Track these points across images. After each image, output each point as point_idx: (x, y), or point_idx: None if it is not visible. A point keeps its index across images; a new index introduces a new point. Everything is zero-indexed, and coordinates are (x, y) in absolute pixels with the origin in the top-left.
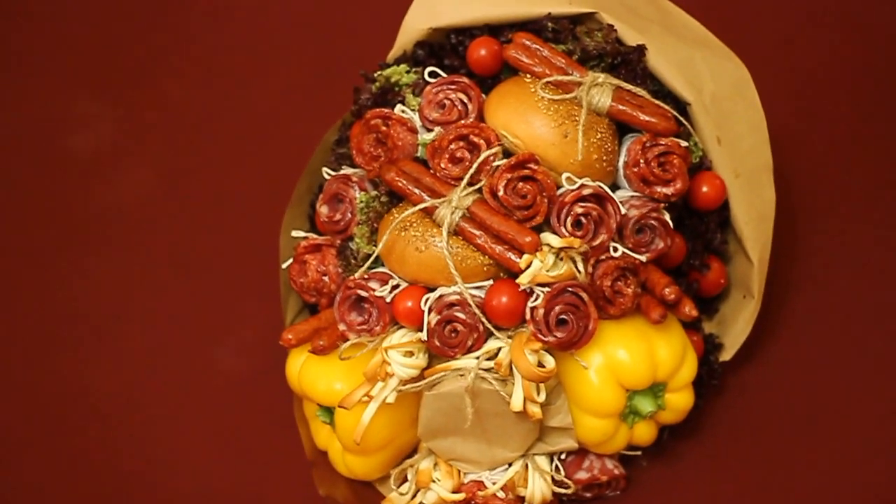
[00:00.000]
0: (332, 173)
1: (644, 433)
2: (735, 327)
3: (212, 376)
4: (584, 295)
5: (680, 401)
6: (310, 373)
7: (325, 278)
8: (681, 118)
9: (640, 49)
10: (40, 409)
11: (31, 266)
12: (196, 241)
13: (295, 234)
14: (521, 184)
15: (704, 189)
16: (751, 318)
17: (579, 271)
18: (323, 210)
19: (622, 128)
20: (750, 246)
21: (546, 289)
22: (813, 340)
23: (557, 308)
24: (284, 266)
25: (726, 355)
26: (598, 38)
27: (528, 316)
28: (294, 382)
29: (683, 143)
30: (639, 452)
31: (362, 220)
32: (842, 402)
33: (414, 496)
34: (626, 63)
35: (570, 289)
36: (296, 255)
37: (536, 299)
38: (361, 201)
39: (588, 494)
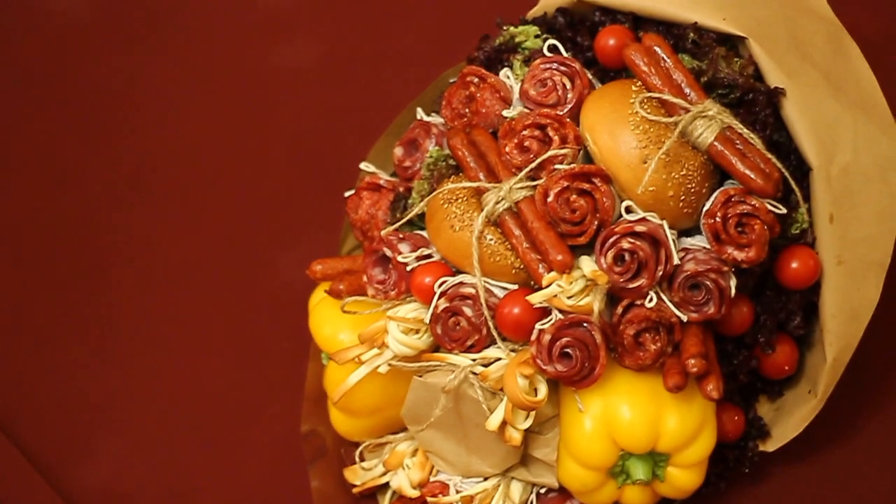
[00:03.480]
0: (423, 116)
1: (635, 498)
2: (790, 420)
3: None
4: (597, 335)
5: (683, 479)
6: (321, 313)
7: (374, 221)
8: (791, 181)
9: (774, 93)
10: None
11: None
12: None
13: (364, 166)
14: (575, 196)
15: (794, 265)
16: (807, 417)
17: (595, 310)
18: (397, 151)
19: (725, 173)
20: (829, 341)
21: (562, 316)
22: (877, 462)
23: (565, 339)
24: (346, 195)
25: (770, 446)
26: (735, 66)
27: (533, 336)
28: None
29: (779, 210)
30: None
31: (425, 176)
32: None
33: (382, 475)
34: (752, 103)
35: (585, 324)
36: (357, 188)
37: (547, 322)
38: (431, 156)
39: None
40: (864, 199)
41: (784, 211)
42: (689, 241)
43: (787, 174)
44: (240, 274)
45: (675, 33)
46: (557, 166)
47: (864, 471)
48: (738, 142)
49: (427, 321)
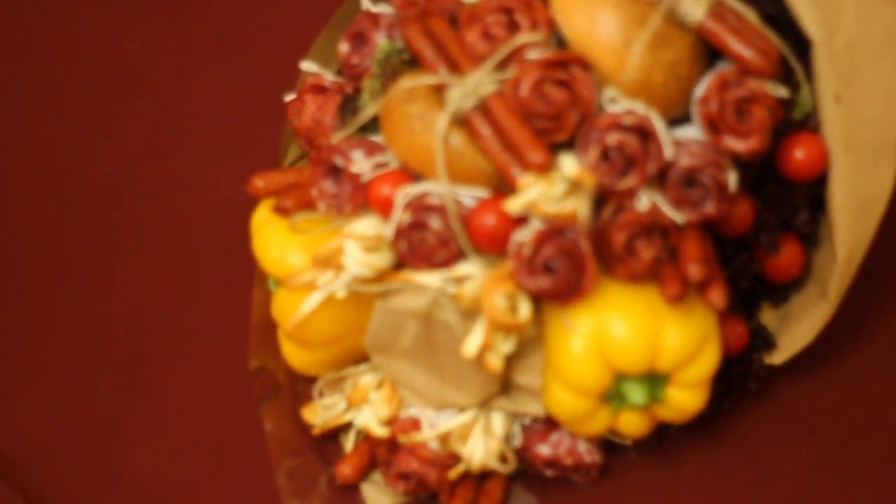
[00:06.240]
0: (369, 5)
1: (632, 423)
2: (798, 328)
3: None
4: (584, 244)
5: (684, 400)
6: (266, 234)
7: (321, 128)
8: (792, 59)
9: None
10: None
11: None
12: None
13: (305, 65)
14: (552, 88)
15: (798, 154)
16: (818, 324)
17: (581, 215)
18: (343, 47)
19: (717, 53)
20: (839, 237)
21: (542, 224)
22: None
23: (548, 251)
24: (287, 99)
25: (778, 357)
26: None
27: (512, 249)
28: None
29: (780, 93)
30: (628, 442)
31: (376, 73)
32: None
33: (345, 413)
34: None
35: (569, 232)
36: (299, 91)
37: (526, 232)
38: (382, 50)
39: (549, 472)
40: (873, 75)
41: (787, 93)
42: (679, 133)
43: (786, 51)
44: (169, 195)
45: None
46: (529, 55)
47: (880, 381)
48: (730, 17)
49: (388, 237)
